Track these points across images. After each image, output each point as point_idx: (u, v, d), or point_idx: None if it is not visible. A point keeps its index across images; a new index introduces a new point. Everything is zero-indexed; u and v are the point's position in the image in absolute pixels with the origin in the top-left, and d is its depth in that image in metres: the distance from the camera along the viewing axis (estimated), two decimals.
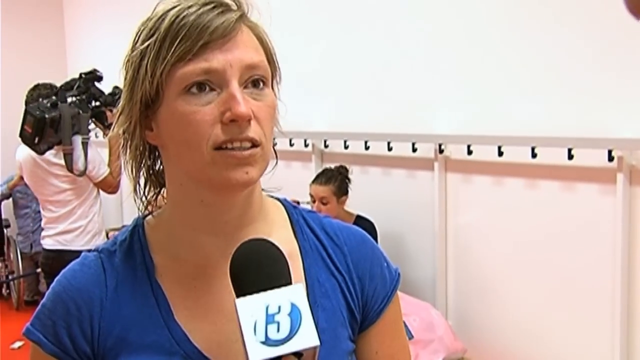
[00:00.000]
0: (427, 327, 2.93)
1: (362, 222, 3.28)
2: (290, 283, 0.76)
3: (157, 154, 0.91)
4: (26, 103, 3.45)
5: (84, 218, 3.64)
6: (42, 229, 3.75)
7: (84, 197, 3.63)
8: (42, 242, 3.74)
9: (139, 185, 0.92)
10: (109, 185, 3.67)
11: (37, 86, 3.61)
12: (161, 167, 0.92)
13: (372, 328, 0.95)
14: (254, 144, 0.82)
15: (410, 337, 2.88)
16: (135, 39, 0.85)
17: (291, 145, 3.87)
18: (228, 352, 0.86)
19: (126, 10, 5.09)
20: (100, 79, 3.41)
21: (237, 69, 0.81)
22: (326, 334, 0.73)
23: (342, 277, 0.93)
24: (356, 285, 0.94)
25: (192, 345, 0.86)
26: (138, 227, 0.93)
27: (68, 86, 3.39)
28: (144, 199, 0.93)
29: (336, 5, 3.71)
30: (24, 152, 3.54)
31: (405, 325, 2.86)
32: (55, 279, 0.91)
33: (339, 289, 0.93)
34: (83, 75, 3.39)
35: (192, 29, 0.80)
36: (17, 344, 4.66)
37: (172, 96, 0.82)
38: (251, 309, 0.72)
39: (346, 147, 3.65)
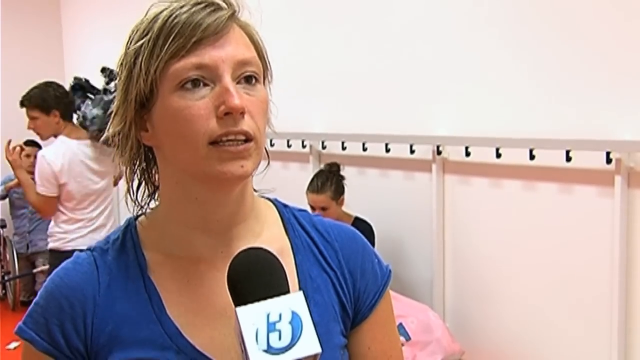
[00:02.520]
0: (424, 328, 2.93)
1: (360, 223, 3.28)
2: (288, 291, 0.77)
3: (151, 156, 0.92)
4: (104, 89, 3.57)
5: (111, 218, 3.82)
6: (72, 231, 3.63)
7: (110, 198, 3.79)
8: (71, 243, 3.59)
9: (132, 188, 0.93)
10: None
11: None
12: (155, 168, 0.93)
13: (365, 323, 0.97)
14: (248, 138, 0.83)
15: (408, 338, 2.88)
16: (128, 41, 0.87)
17: (289, 146, 3.86)
18: (220, 346, 0.87)
19: (123, 7, 5.09)
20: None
21: (229, 64, 0.83)
22: (319, 328, 0.74)
23: (334, 272, 0.95)
24: (348, 281, 0.96)
25: (184, 339, 0.87)
26: (130, 226, 0.94)
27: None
28: (137, 200, 0.94)
29: (334, 6, 3.70)
30: (67, 154, 3.53)
31: (403, 327, 2.89)
32: (48, 278, 0.92)
33: (331, 284, 0.94)
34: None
35: (185, 27, 0.82)
36: (13, 345, 4.65)
37: (166, 93, 0.83)
38: (252, 317, 0.73)
39: (344, 149, 3.65)
